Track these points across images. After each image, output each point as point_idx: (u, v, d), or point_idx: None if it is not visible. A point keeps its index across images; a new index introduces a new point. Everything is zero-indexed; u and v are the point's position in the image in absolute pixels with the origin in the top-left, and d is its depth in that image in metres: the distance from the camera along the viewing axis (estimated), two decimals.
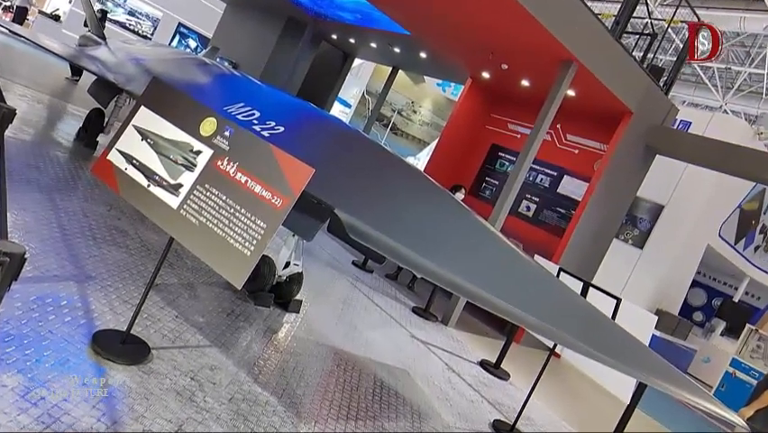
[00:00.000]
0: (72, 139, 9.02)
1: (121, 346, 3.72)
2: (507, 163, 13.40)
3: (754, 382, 11.44)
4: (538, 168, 12.37)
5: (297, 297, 6.35)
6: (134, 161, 3.80)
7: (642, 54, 12.01)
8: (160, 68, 7.91)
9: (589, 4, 8.51)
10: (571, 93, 9.86)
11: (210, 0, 24.16)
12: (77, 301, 4.12)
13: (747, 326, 13.43)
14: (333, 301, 7.47)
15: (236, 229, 3.30)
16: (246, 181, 3.39)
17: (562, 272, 6.21)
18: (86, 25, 12.68)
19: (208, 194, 3.47)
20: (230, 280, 3.27)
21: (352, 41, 17.07)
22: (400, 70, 18.29)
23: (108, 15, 21.12)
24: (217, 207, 3.40)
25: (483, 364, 7.85)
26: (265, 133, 4.75)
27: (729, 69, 25.37)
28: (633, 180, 11.21)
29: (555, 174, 12.26)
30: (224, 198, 3.41)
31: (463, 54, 11.83)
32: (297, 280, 6.30)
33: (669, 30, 13.79)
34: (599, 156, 11.26)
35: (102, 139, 9.03)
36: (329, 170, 4.22)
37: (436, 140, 18.24)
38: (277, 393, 4.29)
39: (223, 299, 5.57)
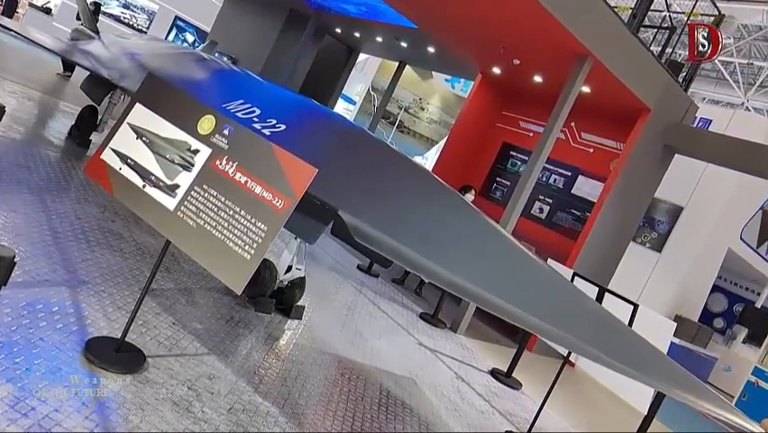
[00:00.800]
0: (64, 137, 9.03)
1: (115, 354, 3.72)
2: (518, 163, 13.39)
3: None
4: (552, 168, 12.35)
5: (300, 302, 6.33)
6: (129, 161, 3.79)
7: (660, 49, 11.98)
8: (156, 63, 7.92)
9: None
10: (585, 89, 9.84)
11: None
12: (70, 307, 4.12)
13: None
14: (337, 307, 7.46)
15: (236, 232, 3.29)
16: (246, 182, 3.39)
17: (576, 277, 6.19)
18: (78, 18, 12.72)
19: (206, 195, 3.46)
20: (229, 285, 3.26)
21: (356, 34, 17.07)
22: (407, 66, 18.29)
23: (102, 8, 21.18)
24: (216, 209, 3.40)
25: (494, 373, 7.84)
26: (266, 132, 4.74)
27: (752, 64, 25.31)
28: (651, 181, 11.18)
29: (569, 174, 12.23)
30: (222, 199, 3.41)
31: (473, 49, 11.82)
32: (299, 285, 6.29)
33: (688, 23, 13.75)
34: (616, 155, 11.23)
35: (95, 137, 9.04)
36: (333, 169, 4.21)
37: (445, 138, 18.21)
38: (278, 403, 4.28)
39: (221, 305, 5.56)
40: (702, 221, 14.64)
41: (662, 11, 13.29)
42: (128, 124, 3.92)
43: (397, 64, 18.19)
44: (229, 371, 4.39)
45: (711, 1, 11.69)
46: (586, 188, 11.82)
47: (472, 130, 13.80)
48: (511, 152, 13.68)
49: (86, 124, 9.02)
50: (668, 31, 12.23)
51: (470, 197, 9.94)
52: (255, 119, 5.00)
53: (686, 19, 12.78)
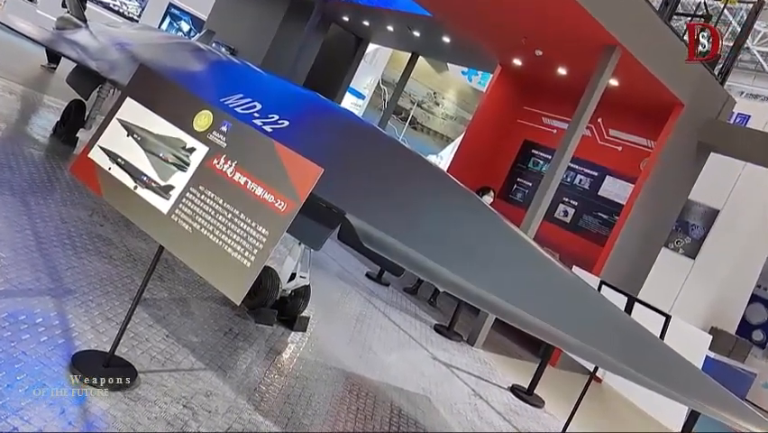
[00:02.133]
0: (49, 135, 9.06)
1: (104, 370, 3.70)
2: (541, 162, 13.35)
3: None
4: (577, 167, 12.30)
5: (304, 313, 6.33)
6: (119, 160, 3.79)
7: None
8: (149, 54, 7.93)
9: None
10: (614, 82, 9.80)
11: None
12: (55, 319, 4.12)
13: None
14: (345, 318, 7.46)
15: (234, 237, 3.28)
16: (246, 183, 3.38)
17: (603, 286, 6.17)
18: (64, 6, 12.76)
19: (203, 197, 3.45)
20: (228, 294, 3.26)
21: (365, 23, 17.09)
22: (420, 57, 18.27)
23: None
24: (213, 212, 3.39)
25: (514, 390, 7.81)
26: (267, 128, 4.74)
27: None
28: (684, 182, 11.13)
29: (596, 174, 12.18)
30: (220, 201, 3.40)
31: (492, 39, 11.81)
32: (303, 294, 6.28)
33: (725, 11, 13.68)
34: (646, 154, 11.17)
35: (82, 135, 9.06)
36: (340, 169, 4.20)
37: (461, 136, 18.19)
38: (281, 423, 4.27)
39: (219, 317, 5.56)
40: (740, 225, 14.56)
41: None
42: (118, 120, 3.92)
43: (409, 55, 18.18)
44: (227, 387, 4.38)
45: None
46: (614, 189, 11.77)
47: (491, 127, 13.77)
48: (533, 151, 13.64)
49: (73, 120, 9.03)
50: (703, 19, 12.18)
51: (488, 199, 9.92)
52: (256, 115, 5.00)
53: (722, 6, 12.73)
